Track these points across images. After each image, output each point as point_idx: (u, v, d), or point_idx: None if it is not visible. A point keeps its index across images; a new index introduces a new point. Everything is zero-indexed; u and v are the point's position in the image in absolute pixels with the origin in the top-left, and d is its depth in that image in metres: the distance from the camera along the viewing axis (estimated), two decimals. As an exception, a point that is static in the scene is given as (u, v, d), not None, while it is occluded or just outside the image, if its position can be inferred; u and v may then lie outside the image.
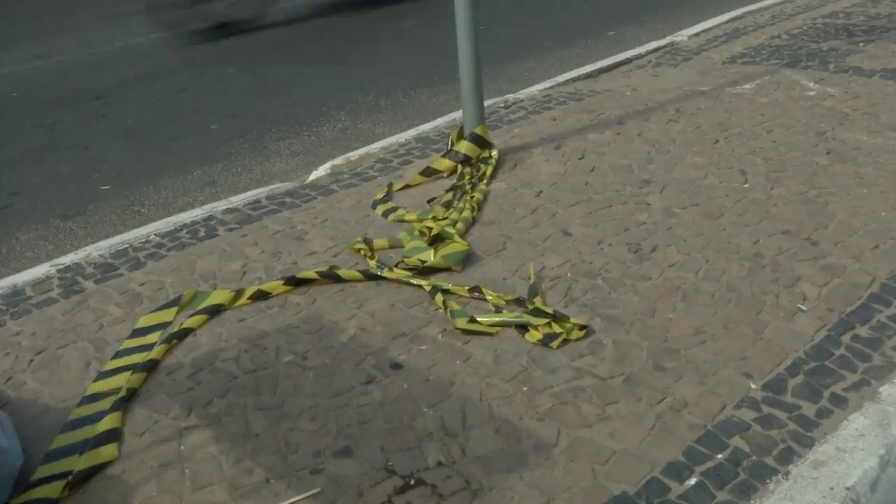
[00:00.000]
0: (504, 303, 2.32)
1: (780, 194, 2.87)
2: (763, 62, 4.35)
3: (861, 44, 4.43)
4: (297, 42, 6.37)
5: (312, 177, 3.49)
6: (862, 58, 4.21)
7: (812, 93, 3.83)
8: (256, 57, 6.03)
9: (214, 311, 2.37)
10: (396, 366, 2.09)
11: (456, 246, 2.56)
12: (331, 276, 2.48)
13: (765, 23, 5.13)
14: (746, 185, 2.96)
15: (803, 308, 2.23)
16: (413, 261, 2.52)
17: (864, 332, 2.13)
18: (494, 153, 3.26)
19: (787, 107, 3.68)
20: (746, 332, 2.14)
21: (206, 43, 6.49)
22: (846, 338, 2.11)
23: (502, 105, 4.08)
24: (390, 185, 3.18)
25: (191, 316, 2.34)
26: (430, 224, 2.72)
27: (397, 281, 2.46)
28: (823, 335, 2.12)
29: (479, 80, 3.20)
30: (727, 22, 5.29)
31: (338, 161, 3.63)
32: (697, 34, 5.10)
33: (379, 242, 2.69)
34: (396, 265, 2.54)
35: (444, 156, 3.29)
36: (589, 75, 4.61)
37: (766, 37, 4.81)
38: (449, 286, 2.39)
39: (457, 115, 3.87)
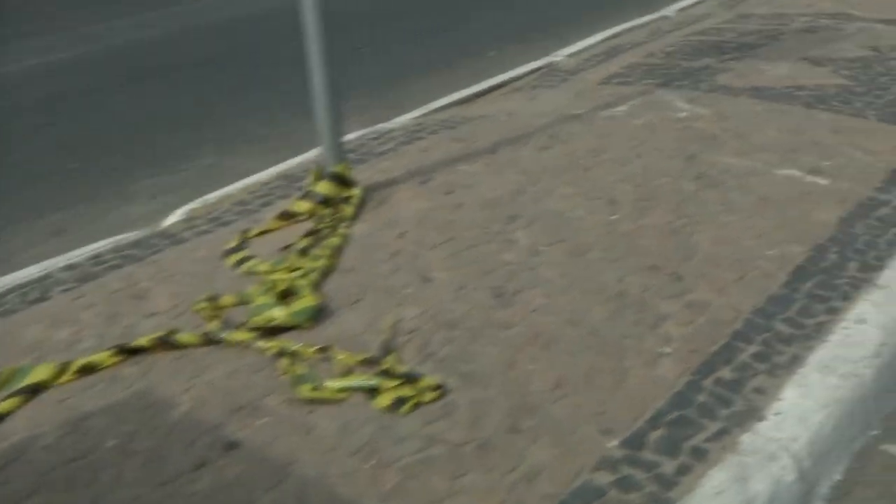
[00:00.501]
0: (356, 363, 2.17)
1: (648, 225, 2.82)
2: (638, 82, 4.34)
3: (732, 61, 4.48)
4: (173, 67, 6.11)
5: (166, 223, 3.28)
6: (732, 76, 4.24)
7: (684, 114, 3.83)
8: (127, 84, 5.73)
9: (34, 390, 2.15)
10: (232, 445, 1.92)
11: (306, 300, 2.41)
12: (167, 343, 2.29)
13: (641, 40, 5.15)
14: (615, 217, 2.90)
15: (667, 351, 2.16)
16: (259, 320, 2.36)
17: (726, 373, 2.07)
18: (357, 192, 3.12)
19: (660, 129, 3.66)
20: (608, 381, 2.06)
21: (71, 69, 6.15)
22: (709, 382, 2.04)
23: (373, 136, 3.94)
24: (244, 232, 3.00)
25: (5, 399, 2.11)
26: (281, 276, 2.56)
27: (241, 344, 2.29)
28: (686, 380, 2.05)
29: (336, 115, 3.06)
30: (605, 40, 5.30)
31: (195, 204, 3.44)
32: (576, 53, 5.08)
33: (226, 299, 2.51)
34: (241, 326, 2.37)
35: (302, 197, 3.13)
36: (465, 100, 4.54)
37: (642, 55, 4.82)
38: (296, 347, 2.24)
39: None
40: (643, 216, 2.89)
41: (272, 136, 4.49)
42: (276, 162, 3.87)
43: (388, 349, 2.23)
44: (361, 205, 3.11)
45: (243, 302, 2.50)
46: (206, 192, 3.63)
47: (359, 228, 2.96)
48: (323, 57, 2.95)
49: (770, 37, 4.83)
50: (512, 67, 5.03)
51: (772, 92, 3.98)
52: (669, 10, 5.82)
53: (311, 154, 3.79)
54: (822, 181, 3.09)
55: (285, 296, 2.47)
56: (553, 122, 3.87)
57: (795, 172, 3.17)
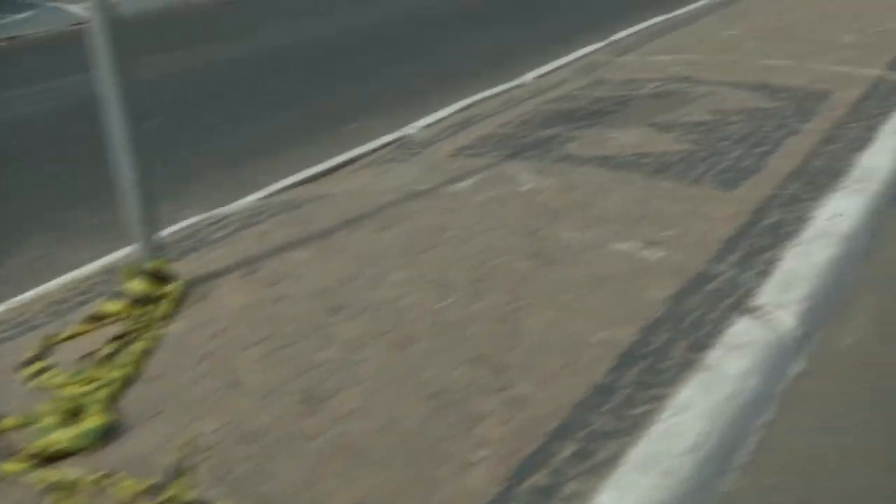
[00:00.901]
0: (140, 491, 1.96)
1: (479, 311, 2.72)
2: (488, 154, 4.30)
3: (582, 129, 4.50)
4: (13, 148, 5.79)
5: (-34, 330, 3.01)
6: (580, 145, 4.25)
7: (529, 186, 3.79)
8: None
9: None
10: None
11: (94, 419, 2.19)
12: (-78, 481, 2.04)
13: (497, 110, 5.15)
14: (446, 303, 2.79)
15: (482, 456, 2.03)
16: (39, 445, 2.12)
17: (542, 478, 1.95)
18: (174, 288, 2.93)
19: (504, 204, 3.61)
20: (416, 496, 1.91)
21: None
22: (523, 489, 1.92)
23: (210, 222, 3.76)
24: (48, 338, 2.76)
25: None
26: (74, 390, 2.34)
27: (12, 477, 2.05)
28: (498, 490, 1.91)
29: (148, 207, 2.87)
30: (461, 110, 5.28)
31: (4, 306, 3.17)
32: (431, 125, 5.04)
33: (7, 421, 2.27)
34: (18, 453, 2.13)
35: (113, 297, 2.92)
36: (316, 177, 4.41)
37: (495, 125, 4.80)
38: (75, 477, 2.01)
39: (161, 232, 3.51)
40: (475, 301, 2.79)
41: (106, 225, 4.25)
42: (111, 252, 3.64)
43: (179, 472, 2.02)
44: (179, 302, 2.92)
45: (27, 423, 2.26)
46: (29, 288, 3.38)
47: (173, 328, 2.76)
48: (128, 147, 2.77)
49: (621, 103, 4.89)
50: (371, 139, 4.95)
51: (618, 160, 3.99)
52: (527, 78, 5.86)
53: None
54: (659, 254, 3.06)
55: (74, 414, 2.24)
56: (397, 199, 3.77)
57: (633, 246, 3.13)
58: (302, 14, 10.40)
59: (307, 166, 4.61)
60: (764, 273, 2.90)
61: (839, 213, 3.30)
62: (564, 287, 2.85)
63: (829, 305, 2.87)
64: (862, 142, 4.00)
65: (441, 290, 2.88)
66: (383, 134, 5.02)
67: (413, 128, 5.00)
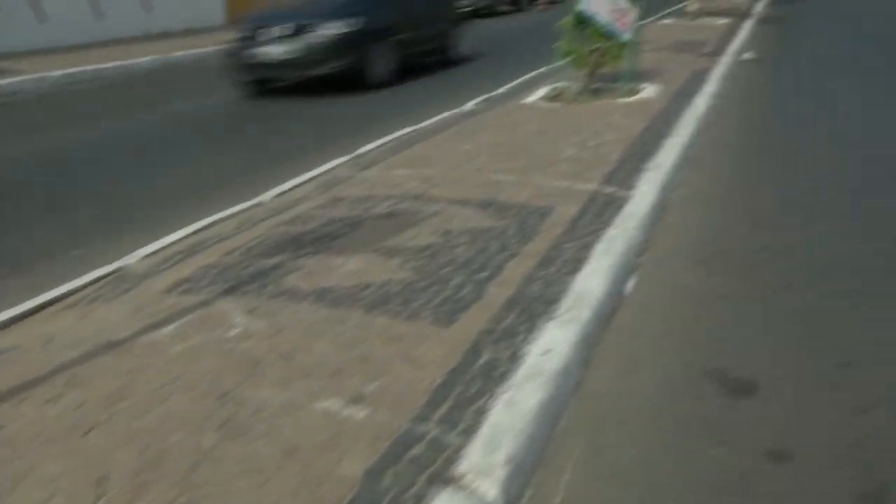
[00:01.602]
0: None
1: (134, 515, 2.10)
2: (204, 289, 3.72)
3: (307, 257, 4.03)
4: None
5: None
6: (301, 277, 3.77)
7: (237, 331, 3.24)
8: None
9: None
10: None
11: None
12: None
13: (228, 234, 4.59)
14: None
15: None
16: None
17: None
18: None
19: (203, 356, 3.03)
20: None
21: None
22: None
23: None
24: None
25: None
26: None
27: None
28: None
29: None
30: (190, 235, 4.66)
31: None
32: (153, 253, 4.37)
33: None
34: None
35: None
36: (14, 320, 3.62)
37: (221, 253, 4.23)
38: None
39: None
40: (138, 497, 2.17)
41: None
42: None
43: None
44: None
45: None
46: None
47: None
48: None
49: (352, 224, 4.49)
50: (93, 268, 4.21)
51: (337, 294, 3.54)
52: (267, 196, 5.35)
53: None
54: (362, 413, 2.60)
55: None
56: (85, 354, 3.10)
57: (335, 404, 2.66)
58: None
59: (6, 306, 3.80)
60: (470, 430, 2.51)
61: (550, 348, 2.99)
62: (249, 466, 2.30)
63: (536, 460, 2.50)
64: (576, 263, 3.80)
65: (96, 486, 2.24)
66: (106, 262, 4.30)
67: (133, 257, 4.31)
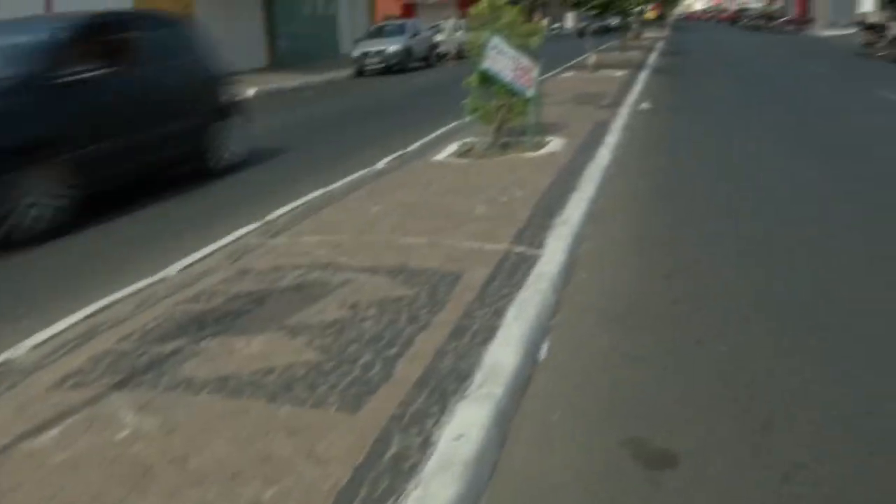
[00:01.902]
0: None
1: None
2: (95, 383, 3.36)
3: (209, 339, 3.71)
4: None
5: None
6: (200, 363, 3.44)
7: (126, 432, 2.89)
8: None
9: None
10: None
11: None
12: None
13: (126, 315, 4.21)
14: None
15: None
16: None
17: None
18: None
19: (86, 465, 2.67)
20: None
21: None
22: None
23: None
24: None
25: None
26: None
27: None
28: None
29: None
30: (86, 318, 4.25)
31: None
32: (45, 342, 3.96)
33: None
34: None
35: None
36: None
37: (116, 338, 3.87)
38: None
39: None
40: None
41: None
42: None
43: None
44: None
45: None
46: None
47: None
48: None
49: (258, 300, 4.18)
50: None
51: (238, 381, 3.23)
52: (171, 269, 4.98)
53: None
54: (259, 526, 2.27)
55: None
56: (-50, 472, 2.67)
57: (231, 517, 2.32)
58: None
59: None
60: (377, 538, 2.22)
61: (463, 432, 2.75)
62: None
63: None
64: (488, 332, 3.59)
65: None
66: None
67: (21, 347, 3.89)
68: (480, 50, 8.10)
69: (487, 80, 8.20)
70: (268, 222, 6.01)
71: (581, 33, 39.64)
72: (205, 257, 5.24)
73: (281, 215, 6.21)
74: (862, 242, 5.16)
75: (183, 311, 4.15)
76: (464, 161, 7.90)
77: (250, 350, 3.54)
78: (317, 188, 7.17)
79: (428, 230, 5.28)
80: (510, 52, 8.13)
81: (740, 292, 4.36)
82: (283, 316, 3.92)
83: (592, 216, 5.94)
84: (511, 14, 8.36)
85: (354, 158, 9.12)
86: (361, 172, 7.83)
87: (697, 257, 5.04)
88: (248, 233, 5.76)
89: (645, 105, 12.18)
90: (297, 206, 6.49)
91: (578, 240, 5.27)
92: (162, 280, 4.84)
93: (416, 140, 9.86)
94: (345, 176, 7.71)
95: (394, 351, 3.43)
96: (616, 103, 12.18)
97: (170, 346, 3.67)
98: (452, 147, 8.65)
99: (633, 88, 14.44)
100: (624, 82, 15.62)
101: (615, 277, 4.75)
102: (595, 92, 13.79)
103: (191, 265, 5.10)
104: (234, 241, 5.58)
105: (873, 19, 23.23)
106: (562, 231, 5.16)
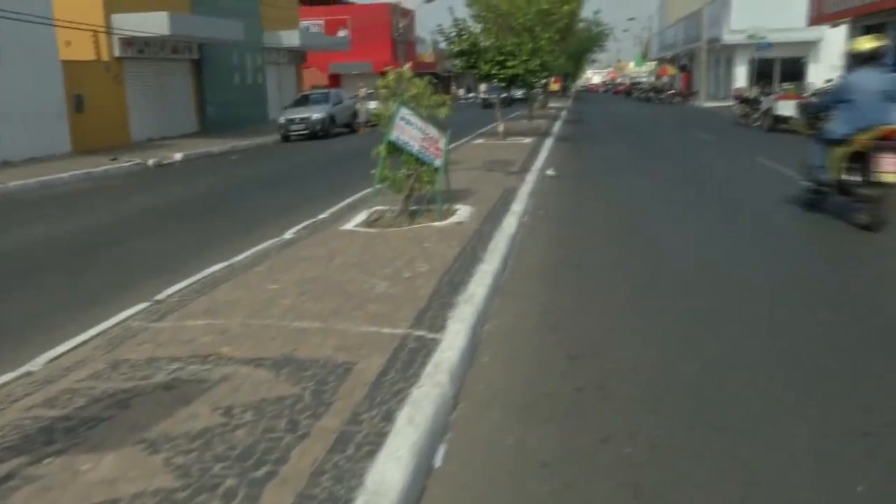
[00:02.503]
0: None
1: None
2: None
3: (52, 457, 2.96)
4: None
5: None
6: (35, 492, 2.68)
7: None
8: None
9: None
10: None
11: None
12: None
13: (-31, 423, 3.37)
14: None
15: None
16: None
17: None
18: None
19: None
20: None
21: None
22: None
23: None
24: None
25: None
26: None
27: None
28: None
29: None
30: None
31: None
32: None
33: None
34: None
35: None
36: None
37: (-54, 458, 3.03)
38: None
39: None
40: None
41: None
42: None
43: None
44: None
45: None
46: None
47: None
48: None
49: (122, 403, 3.45)
50: None
51: (71, 521, 2.47)
52: (38, 362, 4.17)
53: None
54: None
55: None
56: None
57: None
58: None
59: None
60: None
61: (330, 592, 2.08)
62: None
63: None
64: (376, 441, 2.95)
65: None
66: None
67: None
68: (388, 120, 7.60)
69: (396, 149, 7.69)
70: (157, 301, 5.24)
71: (487, 105, 39.75)
72: (79, 345, 4.43)
73: (173, 293, 5.45)
74: (765, 312, 4.78)
75: (34, 419, 3.36)
76: (372, 231, 7.31)
77: (97, 473, 2.80)
78: (221, 260, 6.44)
79: (324, 312, 4.63)
80: (418, 122, 7.67)
81: (646, 376, 3.86)
82: (146, 424, 3.19)
83: (498, 290, 5.41)
84: (419, 86, 7.91)
85: (266, 226, 8.45)
86: (268, 243, 7.13)
87: (603, 334, 4.55)
88: (134, 314, 4.98)
89: (550, 171, 11.91)
90: (194, 283, 5.74)
91: (482, 319, 4.71)
92: (26, 374, 4.02)
93: (329, 206, 9.23)
94: (252, 246, 7.00)
95: (264, 471, 2.75)
96: (524, 169, 11.87)
97: (4, 469, 2.89)
98: (362, 216, 8.06)
99: (540, 155, 14.24)
100: (531, 149, 15.44)
101: (519, 361, 4.20)
102: (504, 159, 13.50)
103: (61, 355, 4.29)
104: (117, 325, 4.78)
105: (747, 94, 24.01)
106: (465, 310, 4.59)
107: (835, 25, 28.26)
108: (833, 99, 7.51)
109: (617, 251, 6.75)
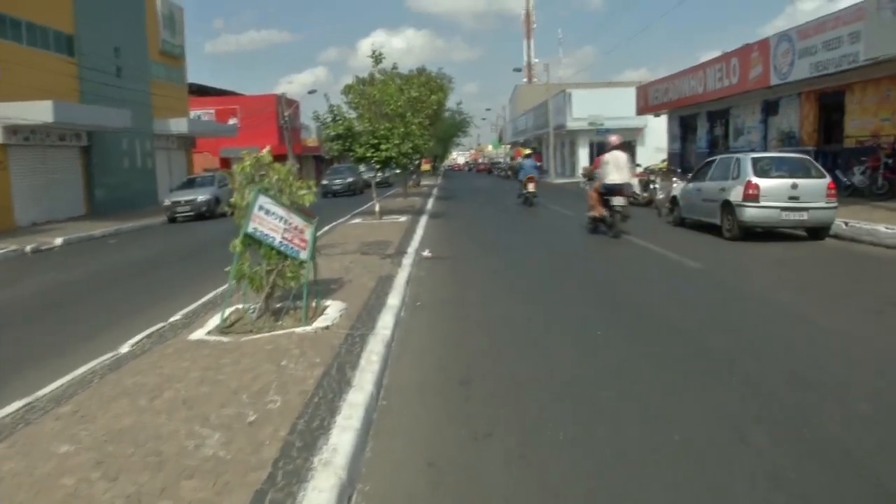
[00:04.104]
0: None
1: None
2: None
3: None
4: None
5: None
6: None
7: None
8: None
9: None
10: None
11: None
12: None
13: None
14: None
15: None
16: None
17: None
18: None
19: None
20: None
21: None
22: None
23: None
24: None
25: None
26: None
27: None
28: None
29: None
30: None
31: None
32: None
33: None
34: None
35: None
36: None
37: None
38: None
39: None
40: None
41: None
42: None
43: None
44: None
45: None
46: None
47: None
48: None
49: None
50: None
51: None
52: None
53: None
54: None
55: None
56: None
57: None
58: None
59: None
60: None
61: None
62: None
63: None
64: None
65: None
66: None
67: None
68: (245, 211, 5.85)
69: (255, 242, 5.93)
70: None
71: (329, 193, 30.12)
72: None
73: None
74: (660, 397, 3.37)
75: None
76: (224, 340, 5.44)
77: None
78: (23, 394, 4.38)
79: (116, 497, 2.76)
80: (279, 211, 5.97)
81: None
82: None
83: (369, 429, 3.73)
84: (280, 172, 6.23)
85: (108, 331, 6.41)
86: (95, 362, 5.11)
87: (494, 488, 2.97)
88: None
89: (427, 253, 10.44)
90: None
91: (345, 487, 3.01)
92: None
93: (187, 303, 7.25)
94: (72, 368, 4.97)
95: None
96: (400, 251, 10.33)
97: None
98: (217, 319, 6.15)
99: (416, 234, 12.80)
100: (407, 228, 13.98)
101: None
102: (380, 240, 11.93)
103: None
104: None
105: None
106: (322, 479, 2.89)
107: (657, 115, 29.36)
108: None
109: (498, 354, 5.27)
